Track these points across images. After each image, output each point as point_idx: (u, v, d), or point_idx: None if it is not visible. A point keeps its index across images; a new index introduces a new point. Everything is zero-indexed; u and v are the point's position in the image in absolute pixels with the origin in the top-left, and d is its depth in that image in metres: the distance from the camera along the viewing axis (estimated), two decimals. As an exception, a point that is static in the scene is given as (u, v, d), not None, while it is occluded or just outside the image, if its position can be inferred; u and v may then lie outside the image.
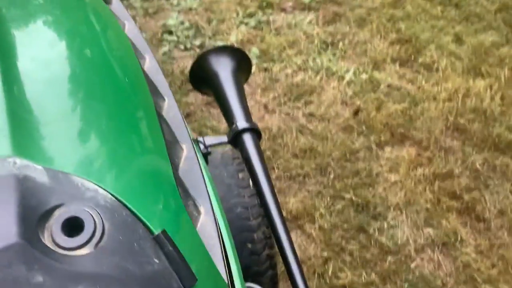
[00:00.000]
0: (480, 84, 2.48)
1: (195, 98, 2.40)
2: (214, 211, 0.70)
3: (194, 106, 2.36)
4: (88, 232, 0.48)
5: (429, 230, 2.01)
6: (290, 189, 2.13)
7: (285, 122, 2.35)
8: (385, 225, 2.02)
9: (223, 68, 1.06)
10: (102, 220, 0.49)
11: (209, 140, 1.01)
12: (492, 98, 2.42)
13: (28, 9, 0.77)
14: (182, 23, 2.74)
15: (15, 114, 0.55)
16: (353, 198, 2.08)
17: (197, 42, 2.66)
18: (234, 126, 0.98)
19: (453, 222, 2.02)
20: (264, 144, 2.26)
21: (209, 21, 2.78)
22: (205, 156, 1.00)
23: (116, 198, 0.52)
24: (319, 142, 2.26)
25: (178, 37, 2.68)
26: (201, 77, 1.10)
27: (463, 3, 2.87)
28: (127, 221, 0.51)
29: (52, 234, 0.48)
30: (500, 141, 2.26)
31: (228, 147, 1.47)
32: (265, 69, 2.57)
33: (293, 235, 1.99)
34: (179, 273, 0.50)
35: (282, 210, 2.02)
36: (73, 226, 0.48)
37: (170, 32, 2.70)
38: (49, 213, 0.49)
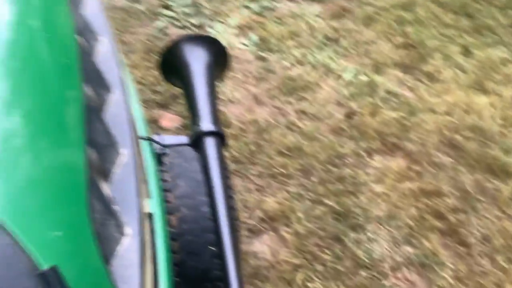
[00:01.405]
0: (482, 100, 2.37)
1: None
2: (152, 229, 0.61)
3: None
4: None
5: (408, 249, 1.92)
6: (269, 188, 2.03)
7: (275, 116, 2.25)
8: (363, 238, 1.93)
9: (196, 60, 0.95)
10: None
11: (168, 139, 0.91)
12: (492, 117, 2.31)
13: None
14: (182, -1, 2.62)
15: None
16: (334, 205, 1.99)
17: (195, 21, 2.54)
18: (197, 126, 0.88)
19: (434, 243, 1.92)
20: (249, 137, 2.16)
21: (210, 0, 2.65)
22: (160, 156, 0.90)
23: (-5, 220, 0.42)
24: (307, 142, 2.16)
25: (175, 13, 2.56)
26: (171, 66, 1.00)
27: (477, 13, 2.74)
28: (4, 252, 0.41)
29: None
30: (494, 163, 2.16)
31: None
32: (262, 58, 2.45)
33: (266, 237, 1.91)
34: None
35: (258, 210, 1.93)
36: None
37: (168, 7, 2.58)
38: None
